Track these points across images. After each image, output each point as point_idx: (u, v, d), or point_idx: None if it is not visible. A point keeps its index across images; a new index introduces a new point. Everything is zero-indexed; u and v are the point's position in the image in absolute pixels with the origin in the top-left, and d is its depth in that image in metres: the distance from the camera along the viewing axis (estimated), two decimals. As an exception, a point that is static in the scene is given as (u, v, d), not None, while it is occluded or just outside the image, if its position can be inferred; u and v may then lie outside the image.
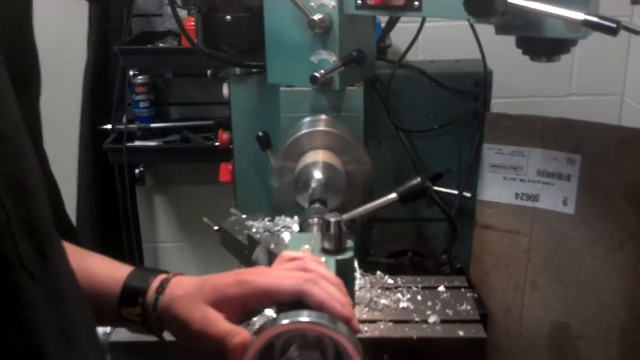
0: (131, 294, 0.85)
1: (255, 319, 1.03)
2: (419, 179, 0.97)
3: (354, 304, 1.04)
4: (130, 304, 0.84)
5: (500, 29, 1.08)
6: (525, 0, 0.96)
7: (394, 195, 0.98)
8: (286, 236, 1.24)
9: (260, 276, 0.80)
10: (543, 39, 1.06)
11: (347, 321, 0.77)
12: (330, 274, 0.84)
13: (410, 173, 1.49)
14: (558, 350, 1.41)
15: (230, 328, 0.78)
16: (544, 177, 1.39)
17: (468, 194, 1.50)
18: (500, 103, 2.08)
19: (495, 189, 1.44)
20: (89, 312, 0.66)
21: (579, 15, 0.92)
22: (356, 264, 1.25)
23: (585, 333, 1.37)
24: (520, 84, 2.13)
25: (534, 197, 1.40)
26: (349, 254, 0.92)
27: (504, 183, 1.43)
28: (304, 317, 0.75)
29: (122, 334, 1.13)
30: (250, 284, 0.79)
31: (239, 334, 0.77)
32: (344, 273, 0.90)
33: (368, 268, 1.39)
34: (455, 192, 1.51)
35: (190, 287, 0.83)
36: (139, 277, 0.86)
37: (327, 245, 0.92)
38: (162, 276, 0.86)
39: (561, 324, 1.39)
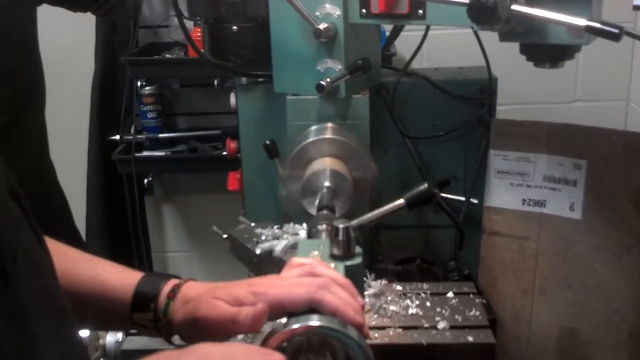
0: (143, 299, 0.85)
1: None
2: (425, 185, 0.98)
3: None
4: (142, 309, 0.85)
5: (504, 36, 1.09)
6: (528, 7, 0.97)
7: (401, 201, 0.99)
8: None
9: (272, 287, 0.80)
10: (546, 45, 1.07)
11: (359, 327, 0.77)
12: (340, 276, 0.85)
13: (416, 180, 1.48)
14: (567, 356, 1.40)
15: (238, 309, 0.78)
16: (551, 182, 1.39)
17: (475, 201, 1.50)
18: (505, 110, 2.08)
19: (502, 195, 1.44)
20: (66, 329, 0.65)
21: (582, 22, 0.93)
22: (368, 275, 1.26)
23: (594, 338, 1.37)
24: (525, 91, 2.14)
25: (541, 203, 1.40)
26: (357, 260, 0.93)
27: (511, 189, 1.43)
28: (315, 321, 0.76)
29: (134, 343, 1.14)
30: (263, 296, 0.79)
31: (252, 308, 0.77)
32: (353, 279, 0.90)
33: (376, 275, 1.39)
34: (462, 198, 1.52)
35: (202, 290, 0.84)
36: (150, 282, 0.87)
37: (335, 251, 0.92)
38: (173, 281, 0.87)
39: (570, 329, 1.39)
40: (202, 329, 0.81)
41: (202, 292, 0.83)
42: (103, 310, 0.86)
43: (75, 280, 0.84)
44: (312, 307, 0.78)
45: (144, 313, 0.85)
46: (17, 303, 0.56)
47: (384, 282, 1.26)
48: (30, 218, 0.62)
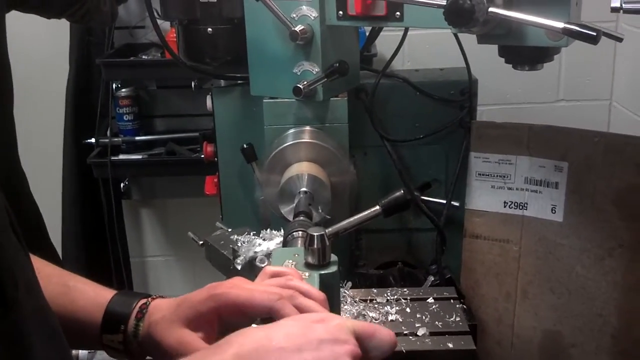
0: (113, 321, 0.84)
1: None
2: (401, 191, 0.96)
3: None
4: (111, 331, 0.84)
5: (482, 38, 1.07)
6: (505, 9, 0.95)
7: (377, 208, 0.96)
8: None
9: (234, 288, 0.79)
10: (525, 47, 1.05)
11: None
12: (314, 289, 0.83)
13: (397, 183, 1.48)
14: (550, 359, 1.39)
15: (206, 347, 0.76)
16: (532, 185, 1.38)
17: (456, 203, 1.49)
18: (488, 110, 2.08)
19: (484, 197, 1.42)
20: (62, 349, 0.64)
21: (559, 24, 0.91)
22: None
23: (577, 341, 1.36)
24: (507, 91, 2.13)
25: (522, 205, 1.39)
26: (332, 269, 0.91)
27: (492, 191, 1.41)
28: None
29: (105, 354, 1.12)
30: (222, 297, 0.78)
31: None
32: (328, 288, 0.89)
33: (357, 280, 1.38)
34: (444, 201, 1.50)
35: (167, 310, 0.82)
36: (120, 302, 0.85)
37: (310, 259, 0.90)
38: (142, 301, 0.85)
39: (553, 332, 1.38)
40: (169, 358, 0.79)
41: (168, 315, 0.81)
42: (73, 330, 0.84)
43: (46, 298, 0.82)
44: (272, 316, 0.77)
45: (114, 335, 0.84)
46: (18, 330, 0.55)
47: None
48: (20, 238, 0.61)
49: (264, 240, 1.25)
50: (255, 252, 1.17)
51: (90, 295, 0.86)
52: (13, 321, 0.55)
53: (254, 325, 0.79)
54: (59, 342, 0.64)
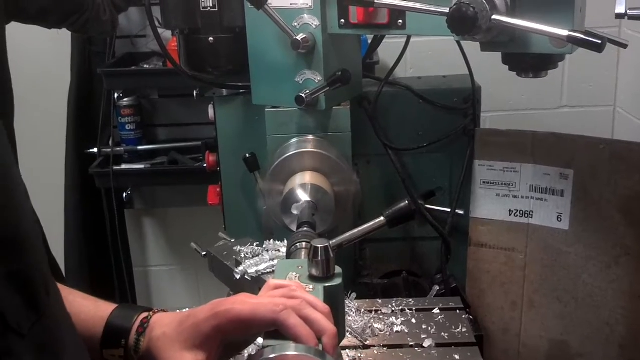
0: (114, 335, 0.83)
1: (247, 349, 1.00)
2: (406, 202, 0.94)
3: (344, 332, 1.02)
4: (112, 345, 0.82)
5: (486, 46, 1.06)
6: (509, 17, 0.94)
7: (381, 219, 0.95)
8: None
9: (237, 304, 0.78)
10: (529, 55, 1.05)
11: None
12: (318, 301, 0.82)
13: (401, 191, 1.47)
14: (557, 369, 1.38)
15: None
16: (537, 192, 1.36)
17: (461, 212, 1.47)
18: (491, 117, 2.06)
19: (488, 205, 1.41)
20: (86, 356, 0.64)
21: (564, 32, 0.90)
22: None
23: (585, 350, 1.34)
24: (511, 97, 2.12)
25: (527, 214, 1.38)
26: (337, 281, 0.90)
27: (497, 200, 1.40)
28: (291, 350, 0.73)
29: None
30: (225, 315, 0.77)
31: None
32: (333, 300, 0.87)
33: (361, 290, 1.36)
34: (448, 210, 1.49)
35: (169, 328, 0.80)
36: (121, 316, 0.84)
37: (314, 272, 0.89)
38: (144, 315, 0.84)
39: (560, 341, 1.37)
40: None
41: (169, 333, 0.80)
42: None
43: None
44: (277, 328, 0.76)
45: (115, 349, 0.82)
46: (50, 335, 0.55)
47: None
48: None
49: (267, 251, 1.24)
50: (257, 271, 1.16)
51: (90, 309, 0.85)
52: (46, 326, 0.54)
53: (259, 339, 0.77)
54: (85, 352, 0.64)
